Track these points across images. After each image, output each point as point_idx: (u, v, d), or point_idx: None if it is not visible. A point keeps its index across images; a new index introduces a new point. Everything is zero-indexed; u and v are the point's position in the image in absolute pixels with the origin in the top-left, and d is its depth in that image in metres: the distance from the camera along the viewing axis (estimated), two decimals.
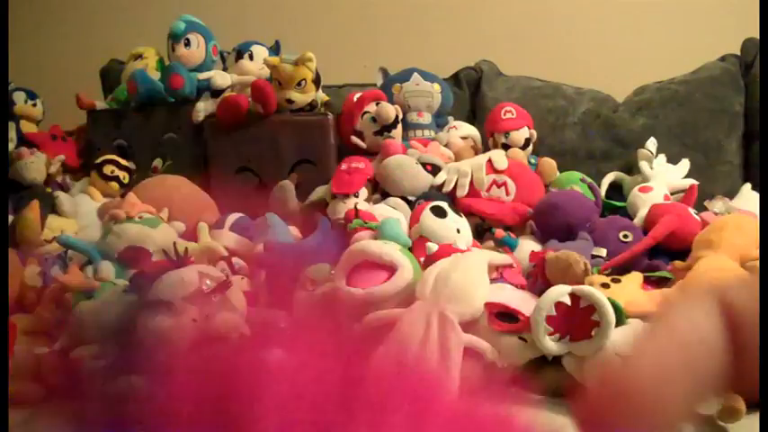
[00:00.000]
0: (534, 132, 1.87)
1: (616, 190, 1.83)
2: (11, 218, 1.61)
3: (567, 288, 1.07)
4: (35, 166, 1.82)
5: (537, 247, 1.44)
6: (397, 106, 1.83)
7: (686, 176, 1.79)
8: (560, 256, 1.19)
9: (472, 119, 2.04)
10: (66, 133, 2.02)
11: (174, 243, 1.33)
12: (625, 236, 1.46)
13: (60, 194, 1.73)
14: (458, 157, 1.77)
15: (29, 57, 2.37)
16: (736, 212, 1.52)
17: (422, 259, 1.28)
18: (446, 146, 1.82)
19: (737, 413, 0.95)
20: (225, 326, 1.13)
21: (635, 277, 1.26)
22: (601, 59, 2.24)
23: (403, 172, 1.62)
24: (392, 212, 1.50)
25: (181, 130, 1.86)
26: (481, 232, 1.53)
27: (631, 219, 1.57)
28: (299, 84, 1.78)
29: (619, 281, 1.21)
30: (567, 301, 1.06)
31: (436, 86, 1.96)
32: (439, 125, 1.95)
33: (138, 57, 1.97)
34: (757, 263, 1.21)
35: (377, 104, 1.81)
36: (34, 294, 1.39)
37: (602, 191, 1.76)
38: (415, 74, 1.96)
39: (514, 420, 0.70)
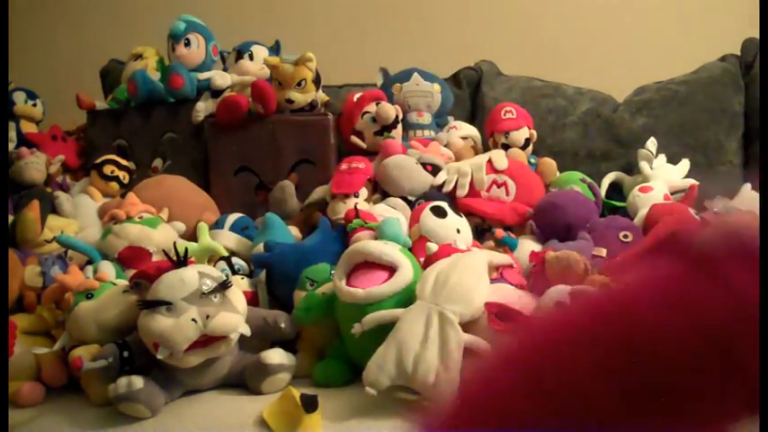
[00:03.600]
0: (534, 132, 1.87)
1: (616, 190, 1.83)
2: (11, 218, 1.61)
3: (567, 288, 1.07)
4: (35, 166, 1.82)
5: (537, 247, 1.44)
6: (397, 106, 1.83)
7: (686, 176, 1.79)
8: (560, 256, 1.19)
9: (472, 119, 2.04)
10: (66, 133, 2.02)
11: (174, 243, 1.33)
12: (625, 236, 1.46)
13: (60, 194, 1.73)
14: (458, 157, 1.77)
15: (29, 57, 2.37)
16: (737, 212, 1.52)
17: (422, 259, 1.28)
18: (446, 146, 1.82)
19: None
20: (225, 326, 1.13)
21: None
22: (601, 59, 2.25)
23: (403, 172, 1.62)
24: (392, 212, 1.50)
25: (181, 130, 1.86)
26: (481, 232, 1.53)
27: (631, 219, 1.57)
28: (299, 84, 1.78)
29: None
30: (567, 301, 1.06)
31: (436, 86, 1.96)
32: (439, 125, 1.95)
33: (138, 57, 1.97)
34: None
35: (377, 104, 1.81)
36: (34, 294, 1.40)
37: (602, 191, 1.76)
38: (415, 74, 1.96)
39: None
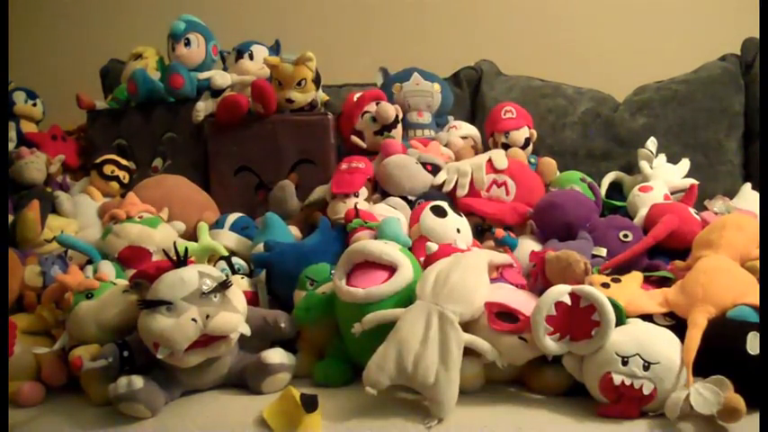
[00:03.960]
0: (534, 132, 1.87)
1: (616, 190, 1.83)
2: (11, 218, 1.61)
3: (567, 288, 1.07)
4: (35, 166, 1.82)
5: (537, 247, 1.44)
6: (397, 106, 1.83)
7: (686, 176, 1.79)
8: (560, 256, 1.19)
9: (472, 119, 2.04)
10: (66, 133, 2.02)
11: (174, 243, 1.33)
12: (625, 236, 1.46)
13: (60, 194, 1.73)
14: (458, 157, 1.77)
15: (29, 57, 2.37)
16: (737, 212, 1.52)
17: (422, 259, 1.28)
18: (446, 146, 1.82)
19: (737, 413, 0.95)
20: (225, 326, 1.13)
21: (635, 277, 1.26)
22: (601, 59, 2.24)
23: (403, 172, 1.62)
24: (392, 212, 1.50)
25: (181, 129, 1.86)
26: (481, 232, 1.53)
27: (631, 219, 1.57)
28: (299, 83, 1.78)
29: (619, 281, 1.21)
30: (567, 300, 1.06)
31: (436, 86, 1.96)
32: (439, 125, 1.95)
33: (138, 57, 1.97)
34: (757, 263, 1.21)
35: (377, 104, 1.81)
36: (34, 294, 1.39)
37: (603, 191, 1.76)
38: (415, 74, 1.96)
39: None
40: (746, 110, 1.92)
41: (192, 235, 1.59)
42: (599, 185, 1.73)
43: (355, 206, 1.45)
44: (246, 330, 1.17)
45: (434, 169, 1.65)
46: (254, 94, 1.76)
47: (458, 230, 1.41)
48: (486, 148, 1.85)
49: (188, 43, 1.87)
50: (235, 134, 1.78)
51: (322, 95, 1.89)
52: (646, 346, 1.03)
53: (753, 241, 1.25)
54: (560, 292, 1.07)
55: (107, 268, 1.39)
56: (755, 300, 1.09)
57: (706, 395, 0.97)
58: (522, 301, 1.14)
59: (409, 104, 1.93)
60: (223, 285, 1.15)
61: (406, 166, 1.64)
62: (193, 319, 1.10)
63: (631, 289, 1.20)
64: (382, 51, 2.21)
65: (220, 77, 1.85)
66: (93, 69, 2.18)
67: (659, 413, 1.01)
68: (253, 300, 1.36)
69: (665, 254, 1.41)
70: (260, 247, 1.45)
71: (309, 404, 1.04)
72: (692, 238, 1.33)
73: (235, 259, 1.47)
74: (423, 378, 1.03)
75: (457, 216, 1.44)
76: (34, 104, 2.04)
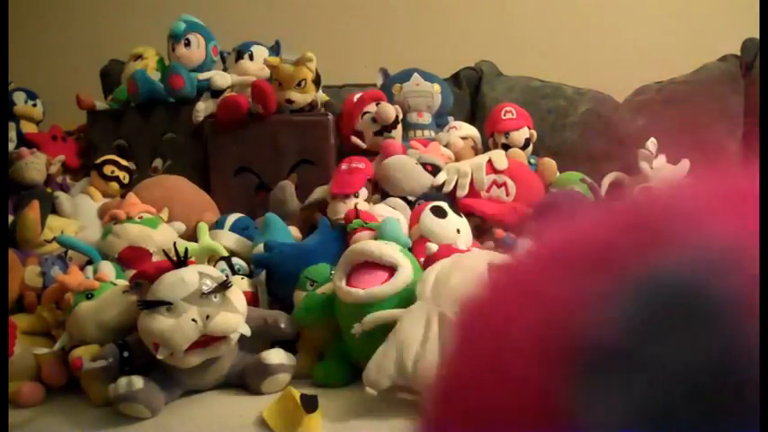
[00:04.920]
0: (534, 132, 1.87)
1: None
2: (11, 218, 1.61)
3: None
4: (35, 166, 1.82)
5: None
6: (397, 106, 1.83)
7: (686, 176, 1.79)
8: None
9: (472, 119, 2.04)
10: (66, 133, 2.01)
11: (174, 243, 1.33)
12: None
13: (60, 194, 1.73)
14: (458, 158, 1.77)
15: (29, 57, 2.37)
16: None
17: (422, 259, 1.28)
18: (446, 146, 1.82)
19: None
20: (225, 326, 1.13)
21: None
22: (601, 60, 2.25)
23: (403, 172, 1.62)
24: (392, 212, 1.50)
25: (181, 130, 1.86)
26: (481, 232, 1.53)
27: None
28: (299, 84, 1.77)
29: None
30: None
31: (436, 86, 1.96)
32: (439, 125, 1.95)
33: (138, 57, 1.97)
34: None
35: (377, 104, 1.81)
36: (34, 294, 1.39)
37: (603, 191, 1.75)
38: (415, 74, 1.96)
39: None
40: (746, 110, 1.92)
41: (191, 235, 1.59)
42: (599, 186, 1.73)
43: (355, 207, 1.45)
44: (246, 331, 1.17)
45: (434, 170, 1.65)
46: (254, 94, 1.76)
47: (458, 231, 1.41)
48: (486, 149, 1.85)
49: (188, 44, 1.87)
50: (235, 134, 1.78)
51: (322, 96, 1.89)
52: None
53: None
54: None
55: (107, 269, 1.39)
56: None
57: None
58: None
59: (409, 105, 1.93)
60: (223, 286, 1.15)
61: (406, 166, 1.64)
62: (193, 320, 1.10)
63: None
64: (382, 51, 2.21)
65: (220, 78, 1.85)
66: (93, 70, 2.17)
67: None
68: (253, 300, 1.36)
69: None
70: (260, 247, 1.45)
71: (309, 404, 1.04)
72: None
73: (235, 260, 1.47)
74: (423, 378, 1.03)
75: (457, 217, 1.44)
76: (34, 105, 2.04)
